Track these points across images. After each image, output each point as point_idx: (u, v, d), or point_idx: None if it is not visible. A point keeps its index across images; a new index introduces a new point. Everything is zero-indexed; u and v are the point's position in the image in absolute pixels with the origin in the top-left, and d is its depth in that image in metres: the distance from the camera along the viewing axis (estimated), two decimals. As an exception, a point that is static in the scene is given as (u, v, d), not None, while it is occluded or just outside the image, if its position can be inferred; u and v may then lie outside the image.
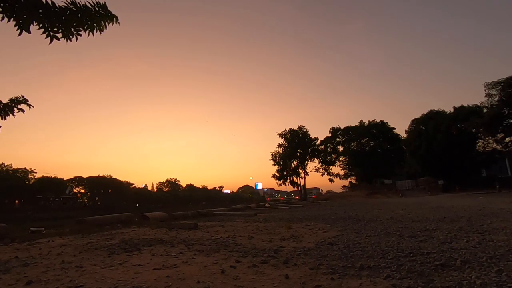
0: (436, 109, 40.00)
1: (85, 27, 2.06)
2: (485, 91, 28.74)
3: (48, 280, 1.44)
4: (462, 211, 4.60)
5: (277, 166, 46.96)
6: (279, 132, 47.27)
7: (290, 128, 46.52)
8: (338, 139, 48.60)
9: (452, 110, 37.55)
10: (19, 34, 1.87)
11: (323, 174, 47.87)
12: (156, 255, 2.01)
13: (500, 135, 28.91)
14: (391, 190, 38.01)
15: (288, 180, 47.42)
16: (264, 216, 5.72)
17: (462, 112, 34.74)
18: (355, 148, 47.98)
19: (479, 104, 32.22)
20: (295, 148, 45.66)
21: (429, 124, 37.54)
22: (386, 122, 46.83)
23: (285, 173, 46.82)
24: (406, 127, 43.13)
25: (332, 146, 48.51)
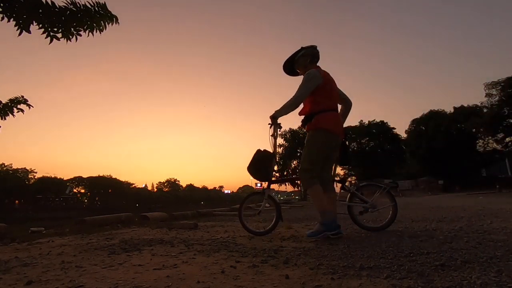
0: (436, 109, 40.07)
1: (85, 27, 2.06)
2: (485, 91, 28.78)
3: (48, 280, 1.43)
4: (462, 211, 4.60)
5: (277, 166, 46.99)
6: (279, 132, 47.31)
7: (290, 128, 46.52)
8: (338, 139, 48.55)
9: (452, 110, 37.59)
10: (19, 34, 1.87)
11: (323, 174, 47.88)
12: (156, 255, 2.00)
13: (500, 135, 28.92)
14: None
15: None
16: (264, 216, 5.72)
17: (462, 112, 34.77)
18: (355, 148, 47.98)
19: (479, 104, 32.27)
20: (295, 148, 45.67)
21: (429, 124, 37.57)
22: (386, 122, 46.86)
23: (285, 173, 46.84)
24: (406, 127, 43.20)
25: (332, 146, 48.46)
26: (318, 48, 2.83)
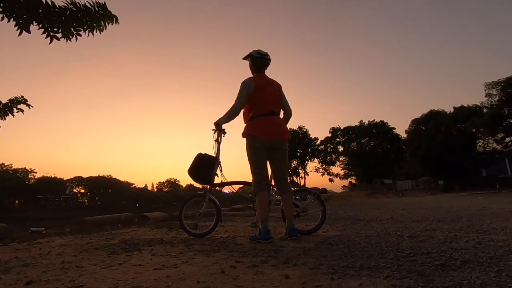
0: (436, 109, 40.07)
1: (85, 27, 2.07)
2: (485, 91, 28.74)
3: (48, 280, 1.43)
4: (462, 211, 4.60)
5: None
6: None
7: (290, 128, 46.50)
8: (338, 139, 48.60)
9: (452, 110, 37.58)
10: (19, 34, 1.87)
11: (323, 174, 47.94)
12: (156, 255, 2.00)
13: (500, 135, 28.90)
14: (391, 190, 37.98)
15: (288, 180, 47.41)
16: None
17: (462, 112, 34.76)
18: (355, 148, 47.98)
19: (479, 104, 32.25)
20: (295, 148, 45.66)
21: (429, 124, 37.58)
22: (386, 122, 46.81)
23: (285, 173, 46.78)
24: (406, 127, 43.20)
25: (332, 146, 48.53)
26: (267, 56, 2.85)
